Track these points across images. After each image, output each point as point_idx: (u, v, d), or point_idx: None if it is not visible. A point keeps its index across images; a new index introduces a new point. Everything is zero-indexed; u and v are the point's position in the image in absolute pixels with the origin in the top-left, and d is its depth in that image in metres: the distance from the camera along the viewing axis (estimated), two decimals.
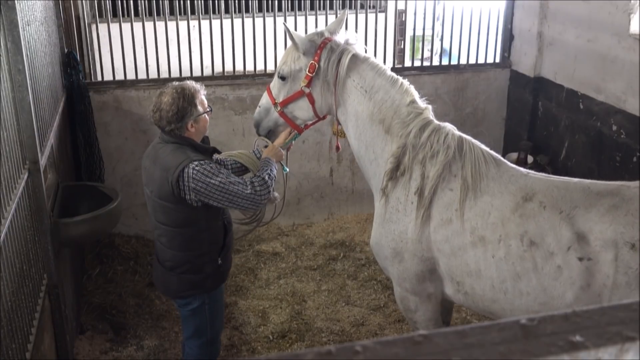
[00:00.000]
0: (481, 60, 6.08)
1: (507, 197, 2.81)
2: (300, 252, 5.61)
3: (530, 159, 5.59)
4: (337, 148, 3.57)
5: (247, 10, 5.63)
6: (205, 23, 5.45)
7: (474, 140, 3.04)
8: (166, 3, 5.43)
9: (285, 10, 5.62)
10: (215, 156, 3.38)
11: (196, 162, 3.01)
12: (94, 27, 5.61)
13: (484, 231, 2.80)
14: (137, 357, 4.27)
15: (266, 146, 3.54)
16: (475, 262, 2.83)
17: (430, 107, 3.11)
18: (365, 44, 5.70)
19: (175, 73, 5.51)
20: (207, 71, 5.72)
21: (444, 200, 2.93)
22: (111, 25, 5.28)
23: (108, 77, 5.48)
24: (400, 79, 3.14)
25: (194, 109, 3.09)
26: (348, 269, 5.32)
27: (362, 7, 6.11)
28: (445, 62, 6.25)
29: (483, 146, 3.03)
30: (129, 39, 5.31)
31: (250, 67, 5.82)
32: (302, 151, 5.81)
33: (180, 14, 5.48)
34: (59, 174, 4.24)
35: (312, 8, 5.78)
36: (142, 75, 5.49)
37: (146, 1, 5.42)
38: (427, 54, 6.51)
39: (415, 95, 3.11)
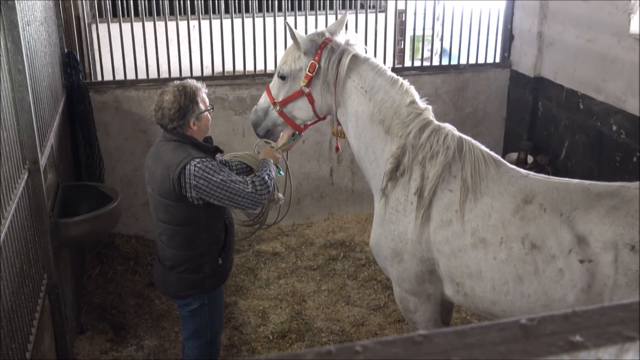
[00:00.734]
0: (481, 60, 6.09)
1: (507, 198, 2.80)
2: (300, 252, 5.61)
3: (530, 159, 5.59)
4: (337, 149, 3.57)
5: (247, 10, 5.63)
6: (205, 23, 5.45)
7: (473, 141, 3.04)
8: (166, 3, 5.43)
9: (285, 10, 5.62)
10: (219, 157, 3.39)
11: (198, 160, 3.02)
12: (94, 27, 5.61)
13: (484, 233, 2.80)
14: (137, 357, 4.27)
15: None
16: (476, 264, 2.83)
17: (430, 107, 3.11)
18: (365, 44, 5.70)
19: (175, 73, 5.51)
20: (207, 71, 5.72)
21: (444, 201, 2.93)
22: (111, 25, 5.28)
23: (108, 77, 5.48)
24: (401, 79, 3.14)
25: (195, 107, 3.11)
26: (348, 269, 5.32)
27: (362, 7, 6.11)
28: (445, 62, 6.25)
29: (483, 147, 3.03)
30: (129, 39, 5.31)
31: (250, 67, 5.82)
32: (302, 151, 5.81)
33: (180, 14, 5.48)
34: (59, 174, 4.24)
35: (312, 8, 5.78)
36: (142, 75, 5.49)
37: (146, 1, 5.42)
38: (427, 54, 6.51)
39: (416, 95, 3.11)
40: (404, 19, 7.03)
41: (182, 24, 5.42)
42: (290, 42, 3.32)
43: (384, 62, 5.94)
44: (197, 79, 5.39)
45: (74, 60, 5.07)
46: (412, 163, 2.99)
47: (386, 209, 3.10)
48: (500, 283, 2.77)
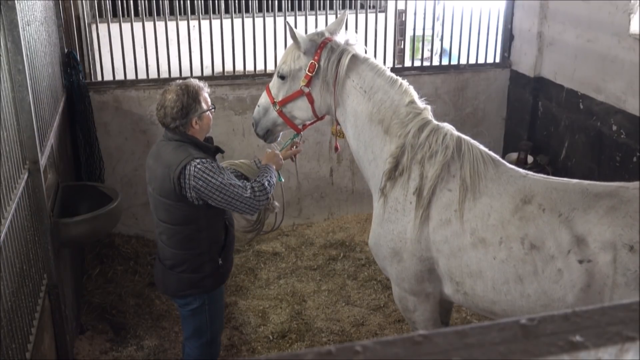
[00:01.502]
0: (481, 60, 6.09)
1: (506, 198, 2.81)
2: (300, 252, 5.61)
3: (530, 159, 5.59)
4: (336, 148, 3.57)
5: (247, 10, 5.63)
6: (205, 23, 5.45)
7: (472, 141, 3.04)
8: (166, 3, 5.43)
9: (285, 10, 5.62)
10: (218, 160, 3.40)
11: (198, 160, 3.02)
12: (94, 27, 5.61)
13: (484, 233, 2.80)
14: (137, 357, 4.27)
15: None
16: (476, 263, 2.83)
17: (429, 107, 3.12)
18: (365, 44, 5.70)
19: (175, 73, 5.51)
20: (207, 71, 5.72)
21: (443, 201, 2.93)
22: (111, 25, 5.28)
23: (108, 77, 5.48)
24: (400, 79, 3.14)
25: (198, 106, 3.11)
26: (348, 269, 5.32)
27: (362, 7, 6.11)
28: (445, 62, 6.25)
29: (482, 147, 3.03)
30: (129, 39, 5.31)
31: (250, 67, 5.82)
32: (302, 151, 5.80)
33: (180, 14, 5.48)
34: (59, 174, 4.24)
35: (312, 8, 5.78)
36: (142, 75, 5.49)
37: (146, 1, 5.42)
38: (427, 54, 6.51)
39: (415, 95, 3.11)
40: (404, 19, 7.03)
41: (182, 24, 5.42)
42: (290, 41, 3.32)
43: (384, 62, 5.95)
44: (198, 79, 5.40)
45: (74, 60, 5.07)
46: (411, 163, 2.99)
47: (385, 208, 3.11)
48: (500, 283, 2.78)
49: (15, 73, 3.15)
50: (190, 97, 3.09)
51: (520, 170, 2.96)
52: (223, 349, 4.19)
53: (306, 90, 3.24)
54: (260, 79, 5.60)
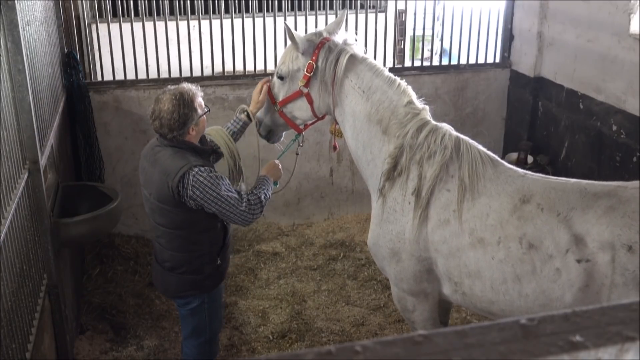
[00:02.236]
0: (481, 60, 6.08)
1: (504, 198, 2.81)
2: (300, 252, 5.61)
3: (530, 159, 5.59)
4: (335, 148, 3.57)
5: (247, 10, 5.62)
6: (205, 23, 5.45)
7: (471, 141, 3.04)
8: (166, 3, 5.43)
9: (285, 10, 5.62)
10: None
11: (197, 169, 2.98)
12: (94, 27, 5.61)
13: (483, 233, 2.80)
14: (137, 357, 4.27)
15: (245, 112, 3.49)
16: (474, 263, 2.83)
17: (427, 107, 3.12)
18: (365, 44, 5.71)
19: (175, 73, 5.51)
20: (207, 71, 5.72)
21: (442, 201, 2.93)
22: (111, 25, 5.28)
23: (108, 77, 5.48)
24: (398, 79, 3.14)
25: (194, 114, 3.06)
26: (348, 269, 5.32)
27: (362, 7, 6.11)
28: (445, 62, 6.24)
29: (480, 147, 3.03)
30: (129, 39, 5.31)
31: (250, 67, 5.82)
32: (302, 151, 5.80)
33: (180, 14, 5.48)
34: (59, 174, 4.24)
35: (312, 8, 5.78)
36: (142, 75, 5.49)
37: (146, 1, 5.42)
38: (427, 54, 6.51)
39: (413, 95, 3.11)
40: (404, 19, 7.03)
41: (182, 24, 5.42)
42: (289, 42, 3.32)
43: (384, 62, 5.95)
44: (197, 79, 5.41)
45: (74, 60, 5.07)
46: (410, 163, 2.99)
47: (384, 208, 3.11)
48: (499, 282, 2.78)
49: (15, 73, 3.15)
50: (186, 106, 3.02)
51: (519, 170, 2.96)
52: (223, 349, 4.19)
53: (305, 90, 3.24)
54: (260, 79, 5.58)
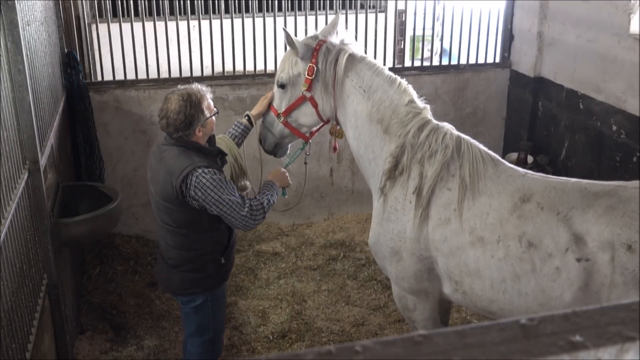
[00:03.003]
0: (481, 60, 6.08)
1: (505, 197, 2.81)
2: (300, 252, 5.61)
3: (530, 159, 5.59)
4: (335, 149, 3.57)
5: (247, 10, 5.62)
6: (205, 23, 5.45)
7: (472, 140, 3.04)
8: (166, 3, 5.43)
9: (285, 10, 5.62)
10: None
11: (200, 170, 2.99)
12: (94, 27, 5.61)
13: (482, 232, 2.81)
14: (137, 357, 4.27)
15: (247, 117, 3.49)
16: (474, 262, 2.83)
17: (428, 106, 3.12)
18: (365, 44, 5.71)
19: (175, 73, 5.51)
20: (207, 71, 5.72)
21: (442, 200, 2.93)
22: (111, 25, 5.28)
23: (108, 77, 5.48)
24: (399, 78, 3.14)
25: (201, 115, 3.06)
26: (348, 269, 5.32)
27: (362, 7, 6.10)
28: (445, 62, 6.24)
29: (481, 146, 3.03)
30: (129, 39, 5.30)
31: (250, 67, 5.82)
32: (301, 151, 5.80)
33: (180, 14, 5.48)
34: (59, 174, 4.24)
35: (312, 8, 5.78)
36: (142, 75, 5.49)
37: (146, 1, 5.42)
38: (427, 54, 6.51)
39: (414, 94, 3.11)
40: (404, 19, 7.03)
41: (182, 24, 5.41)
42: (285, 48, 3.32)
43: (384, 62, 5.95)
44: (197, 79, 5.41)
45: (74, 60, 5.07)
46: (411, 162, 2.99)
47: (385, 207, 3.11)
48: (498, 281, 2.78)
49: (15, 73, 3.14)
50: (193, 107, 3.03)
51: (520, 169, 2.96)
52: (223, 349, 4.19)
53: (308, 94, 3.23)
54: (260, 79, 5.60)
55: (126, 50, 5.30)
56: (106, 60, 5.40)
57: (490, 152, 3.02)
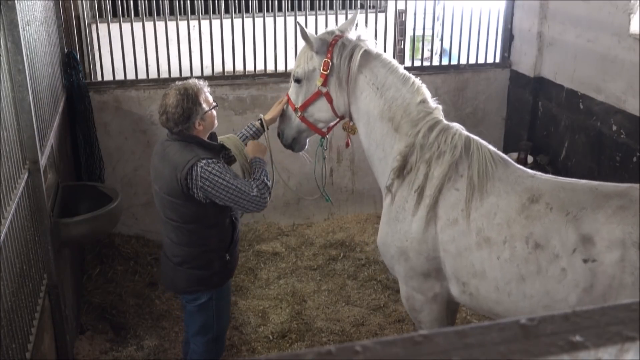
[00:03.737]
0: (481, 60, 6.08)
1: (513, 198, 2.79)
2: (300, 252, 5.61)
3: (530, 159, 5.59)
4: (347, 144, 3.58)
5: (247, 10, 5.63)
6: (205, 23, 5.45)
7: (481, 141, 3.02)
8: (166, 3, 5.43)
9: (285, 10, 5.62)
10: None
11: (204, 161, 3.03)
12: (94, 27, 5.61)
13: (489, 232, 2.79)
14: (137, 357, 4.27)
15: (260, 120, 3.51)
16: (480, 263, 2.82)
17: (440, 107, 3.12)
18: None
19: (175, 73, 5.51)
20: (207, 71, 5.72)
21: (450, 201, 2.92)
22: (111, 25, 5.28)
23: (108, 77, 5.48)
24: (412, 77, 3.13)
25: (199, 108, 3.11)
26: (348, 269, 5.32)
27: (362, 7, 6.11)
28: (445, 62, 6.25)
29: (491, 147, 3.02)
30: (129, 39, 5.31)
31: (250, 67, 5.82)
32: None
33: (180, 14, 5.48)
34: (59, 174, 4.24)
35: (312, 8, 5.78)
36: (142, 75, 5.49)
37: (146, 1, 5.42)
38: (427, 54, 6.51)
39: (427, 94, 3.11)
40: (404, 19, 7.03)
41: (182, 24, 5.42)
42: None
43: None
44: (197, 79, 5.39)
45: (74, 60, 5.07)
46: (420, 162, 2.99)
47: (392, 207, 3.10)
48: (504, 283, 2.76)
49: (15, 73, 3.14)
50: (190, 100, 3.08)
51: (529, 170, 2.95)
52: (225, 349, 4.19)
53: (324, 90, 3.22)
54: (260, 79, 5.61)
55: (126, 50, 5.30)
56: (106, 60, 5.40)
57: (501, 153, 3.01)
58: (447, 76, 6.00)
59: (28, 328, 2.99)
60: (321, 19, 5.71)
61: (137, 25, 5.31)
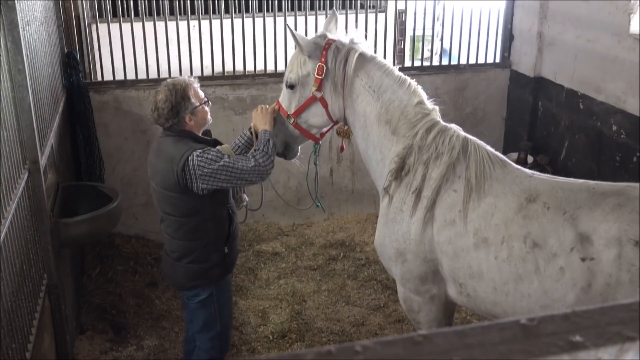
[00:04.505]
0: (481, 60, 6.08)
1: (510, 198, 2.79)
2: (300, 252, 5.61)
3: (530, 159, 5.59)
4: (342, 149, 3.56)
5: (247, 10, 5.63)
6: (205, 23, 5.45)
7: (479, 142, 3.02)
8: (166, 3, 5.43)
9: (285, 10, 5.62)
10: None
11: (199, 151, 3.08)
12: (94, 27, 5.61)
13: (487, 233, 2.79)
14: (137, 357, 4.27)
15: (250, 129, 3.44)
16: (478, 264, 2.82)
17: (437, 108, 3.11)
18: None
19: (175, 73, 5.49)
20: (207, 71, 5.72)
21: (448, 202, 2.92)
22: (111, 25, 5.28)
23: (108, 77, 5.48)
24: (408, 79, 3.13)
25: (187, 102, 3.16)
26: (348, 269, 5.32)
27: (362, 7, 6.11)
28: (445, 62, 6.25)
29: (489, 147, 3.02)
30: (129, 39, 5.31)
31: (250, 67, 5.82)
32: (302, 151, 5.80)
33: (180, 14, 5.48)
34: (59, 174, 4.24)
35: (312, 8, 5.78)
36: (142, 75, 5.49)
37: (146, 1, 5.42)
38: (427, 54, 6.51)
39: (423, 96, 3.11)
40: (404, 19, 7.03)
41: (182, 24, 5.41)
42: (291, 42, 3.29)
43: None
44: (197, 79, 5.39)
45: (74, 60, 5.07)
46: (417, 163, 2.99)
47: (390, 208, 3.10)
48: (501, 283, 2.76)
49: (15, 73, 3.15)
50: (178, 95, 3.13)
51: (527, 170, 2.95)
52: (230, 347, 4.19)
53: (318, 95, 3.17)
54: (260, 79, 5.61)
55: (126, 50, 5.30)
56: (106, 60, 5.40)
57: (498, 153, 3.01)
58: (447, 76, 6.00)
59: (28, 328, 2.99)
60: (321, 19, 5.71)
61: (137, 25, 5.31)
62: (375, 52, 5.77)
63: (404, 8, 6.62)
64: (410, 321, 4.40)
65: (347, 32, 3.32)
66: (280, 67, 5.69)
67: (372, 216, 6.02)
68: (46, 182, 3.65)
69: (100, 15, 5.97)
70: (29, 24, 3.57)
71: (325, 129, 3.42)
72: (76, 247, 4.78)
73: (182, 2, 5.65)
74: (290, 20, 5.55)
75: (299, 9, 5.98)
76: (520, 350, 0.65)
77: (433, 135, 2.97)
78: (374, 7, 7.23)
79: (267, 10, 5.62)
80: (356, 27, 5.76)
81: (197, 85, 3.25)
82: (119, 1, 5.32)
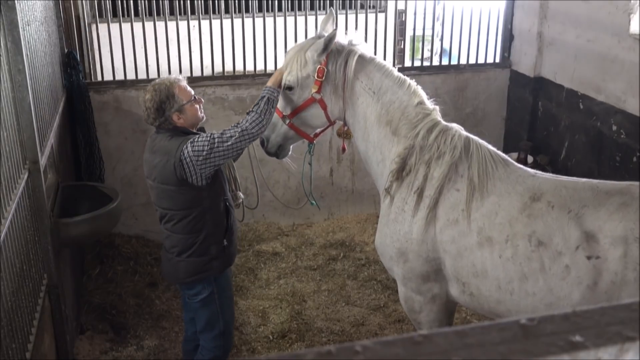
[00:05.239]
0: (481, 60, 6.09)
1: (514, 197, 2.79)
2: (300, 252, 5.61)
3: (530, 159, 5.59)
4: (343, 149, 3.55)
5: (247, 10, 5.63)
6: (205, 23, 5.45)
7: (481, 141, 3.03)
8: (166, 3, 5.43)
9: (285, 10, 5.62)
10: None
11: (190, 141, 3.11)
12: (94, 27, 5.61)
13: (490, 232, 2.79)
14: (137, 357, 4.27)
15: None
16: (481, 263, 2.82)
17: (437, 108, 3.12)
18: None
19: (175, 73, 5.48)
20: (207, 71, 5.72)
21: (451, 201, 2.92)
22: (111, 25, 5.28)
23: (108, 77, 5.48)
24: (408, 79, 3.13)
25: (173, 101, 3.18)
26: (348, 269, 5.32)
27: (362, 7, 6.11)
28: (445, 62, 6.25)
29: (491, 147, 3.02)
30: (129, 39, 5.31)
31: (250, 67, 5.82)
32: (302, 151, 5.78)
33: (180, 14, 5.48)
34: (59, 174, 4.24)
35: (312, 8, 5.78)
36: (142, 75, 5.49)
37: (146, 1, 5.43)
38: (427, 54, 6.51)
39: (423, 96, 3.11)
40: (404, 19, 7.03)
41: (182, 24, 5.42)
42: (291, 42, 3.28)
43: None
44: (197, 79, 5.42)
45: (74, 60, 5.07)
46: (419, 163, 2.99)
47: (391, 208, 3.10)
48: (506, 282, 2.76)
49: (15, 73, 3.15)
50: (162, 94, 3.17)
51: (530, 169, 2.96)
52: (233, 346, 4.19)
53: (318, 97, 3.17)
54: (260, 79, 5.60)
55: (126, 50, 5.30)
56: (106, 60, 5.40)
57: (501, 152, 3.01)
58: (447, 76, 6.00)
59: (28, 328, 2.99)
60: (321, 19, 5.70)
61: (137, 25, 5.31)
62: (375, 52, 5.82)
63: (404, 8, 6.62)
64: (410, 321, 4.40)
65: (346, 32, 3.31)
66: None
67: (372, 216, 6.02)
68: (46, 182, 3.65)
69: (100, 15, 5.97)
70: (29, 24, 3.57)
71: (319, 130, 3.42)
72: (76, 247, 4.78)
73: (182, 2, 5.65)
74: (290, 20, 5.57)
75: (299, 9, 5.98)
76: (520, 350, 0.65)
77: (435, 135, 2.97)
78: (374, 7, 7.23)
79: (267, 10, 5.62)
80: (356, 27, 5.76)
81: (184, 83, 3.26)
82: (119, 1, 5.32)
